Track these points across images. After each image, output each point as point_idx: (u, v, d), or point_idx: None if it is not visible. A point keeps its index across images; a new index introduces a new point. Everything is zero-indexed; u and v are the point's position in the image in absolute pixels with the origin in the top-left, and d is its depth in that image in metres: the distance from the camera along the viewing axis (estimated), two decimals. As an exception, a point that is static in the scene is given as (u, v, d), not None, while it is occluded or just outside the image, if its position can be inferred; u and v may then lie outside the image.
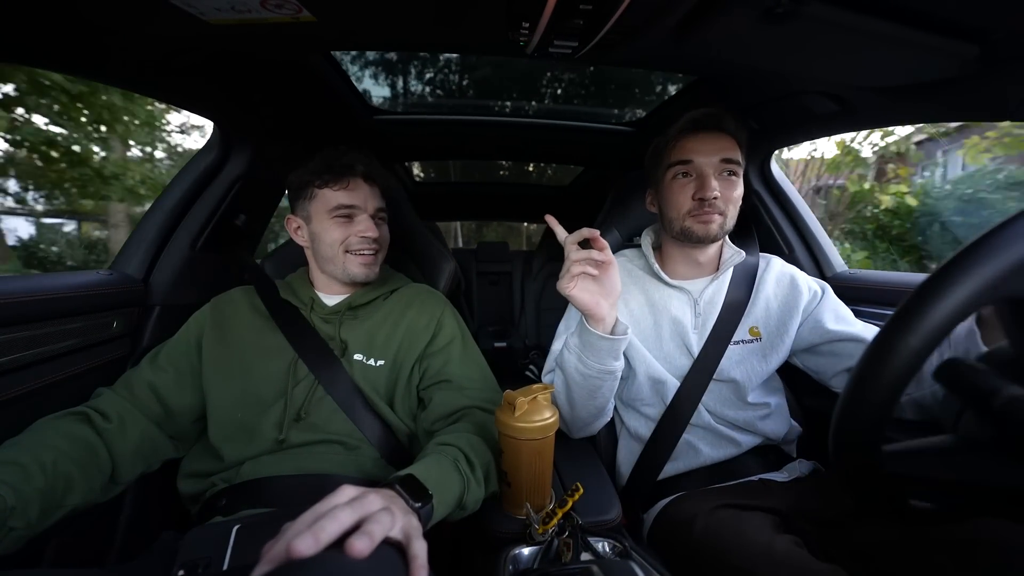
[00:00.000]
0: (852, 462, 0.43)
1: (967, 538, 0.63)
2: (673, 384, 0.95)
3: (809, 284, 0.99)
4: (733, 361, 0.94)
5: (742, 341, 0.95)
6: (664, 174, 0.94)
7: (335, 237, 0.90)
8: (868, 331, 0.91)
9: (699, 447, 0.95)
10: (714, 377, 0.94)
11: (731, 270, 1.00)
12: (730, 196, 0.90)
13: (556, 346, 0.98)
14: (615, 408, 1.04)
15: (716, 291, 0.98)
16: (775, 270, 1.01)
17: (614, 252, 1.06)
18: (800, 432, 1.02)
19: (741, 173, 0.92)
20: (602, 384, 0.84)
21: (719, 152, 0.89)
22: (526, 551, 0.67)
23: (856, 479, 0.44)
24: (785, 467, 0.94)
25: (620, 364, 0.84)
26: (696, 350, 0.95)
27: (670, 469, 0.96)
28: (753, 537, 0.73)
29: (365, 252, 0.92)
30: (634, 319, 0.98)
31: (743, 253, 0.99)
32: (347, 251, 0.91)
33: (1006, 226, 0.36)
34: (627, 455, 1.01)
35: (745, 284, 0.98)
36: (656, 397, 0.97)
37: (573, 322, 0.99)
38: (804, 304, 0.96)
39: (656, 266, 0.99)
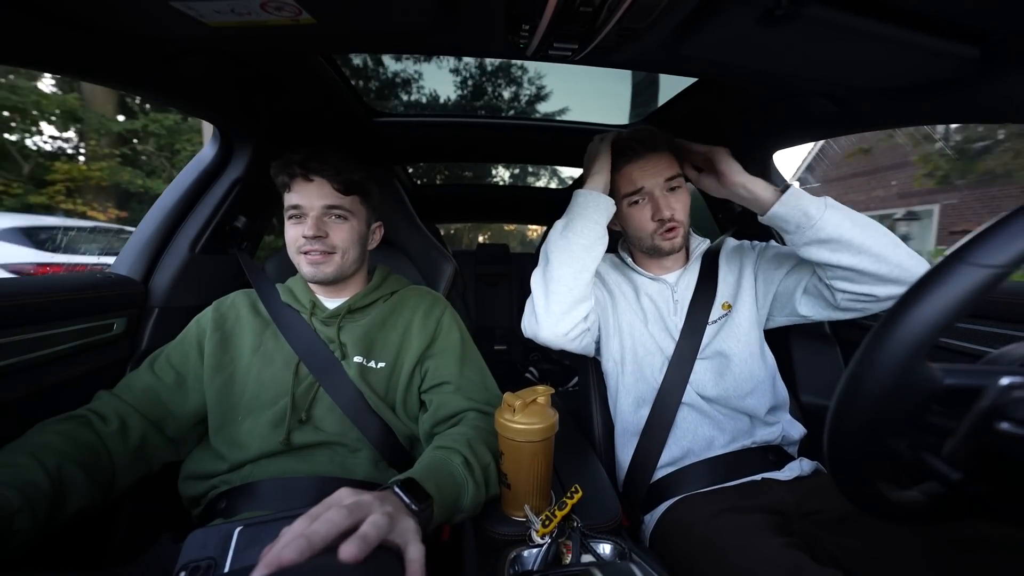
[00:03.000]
0: (847, 472, 0.42)
1: (969, 538, 0.63)
2: (661, 363, 1.01)
3: (754, 243, 1.12)
4: (713, 337, 1.01)
5: (718, 319, 1.03)
6: (620, 202, 1.03)
7: (289, 239, 0.92)
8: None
9: (689, 428, 0.97)
10: (700, 356, 1.00)
11: (700, 259, 1.09)
12: (680, 207, 1.00)
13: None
14: (610, 406, 1.07)
15: (689, 280, 1.08)
16: (728, 246, 1.13)
17: (615, 252, 1.16)
18: (804, 433, 1.03)
19: (683, 180, 1.02)
20: (585, 254, 0.93)
21: (662, 173, 0.98)
22: (527, 553, 0.67)
23: (852, 488, 0.43)
24: (787, 466, 0.95)
25: (604, 230, 0.95)
26: (677, 333, 1.02)
27: (667, 458, 0.97)
28: (752, 541, 0.73)
29: (311, 252, 0.89)
30: (627, 302, 1.07)
31: (707, 241, 1.11)
32: (298, 252, 0.91)
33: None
34: (625, 450, 1.03)
35: (711, 268, 1.08)
36: (646, 379, 1.02)
37: None
38: (750, 262, 1.07)
39: (636, 265, 1.10)
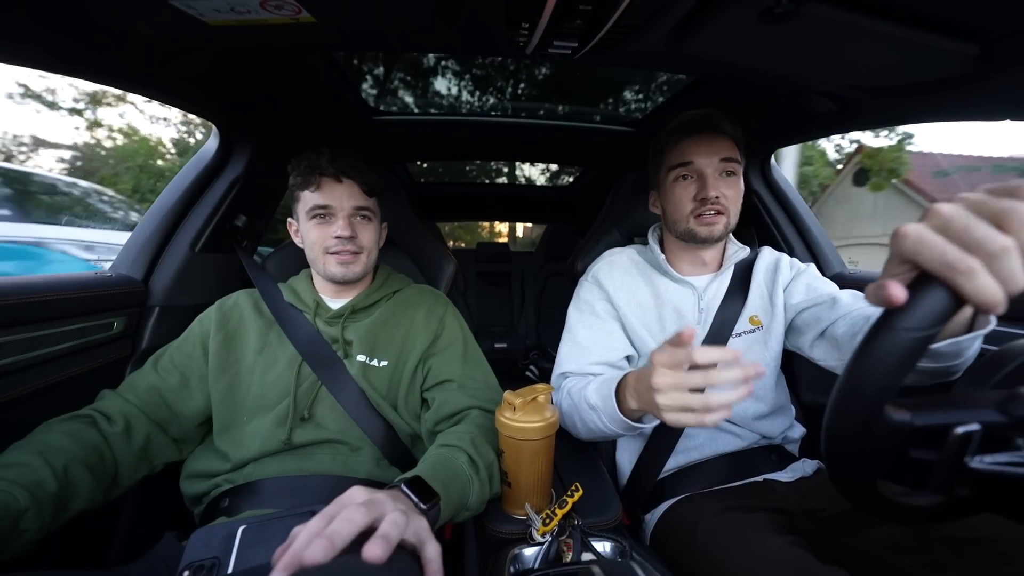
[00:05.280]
0: (847, 477, 0.42)
1: (970, 536, 0.63)
2: None
3: (792, 262, 1.03)
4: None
5: (744, 332, 0.97)
6: (665, 176, 0.96)
7: (313, 238, 0.91)
8: (837, 292, 0.93)
9: (698, 440, 0.96)
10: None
11: (732, 267, 1.02)
12: (731, 195, 0.92)
13: (566, 362, 0.96)
14: None
15: (719, 287, 1.00)
16: (765, 258, 1.04)
17: (640, 241, 1.10)
18: (804, 433, 1.03)
19: (741, 172, 0.94)
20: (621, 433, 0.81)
21: (718, 152, 0.91)
22: (527, 551, 0.67)
23: (851, 491, 0.43)
24: (789, 467, 0.94)
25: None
26: (697, 345, 0.95)
27: (670, 464, 0.96)
28: (755, 539, 0.73)
29: (342, 252, 0.90)
30: (641, 309, 0.99)
31: (747, 249, 1.02)
32: (326, 252, 0.90)
33: None
34: (628, 453, 1.02)
35: (743, 278, 1.01)
36: None
37: (582, 351, 0.96)
38: (783, 280, 0.99)
39: (664, 262, 1.00)
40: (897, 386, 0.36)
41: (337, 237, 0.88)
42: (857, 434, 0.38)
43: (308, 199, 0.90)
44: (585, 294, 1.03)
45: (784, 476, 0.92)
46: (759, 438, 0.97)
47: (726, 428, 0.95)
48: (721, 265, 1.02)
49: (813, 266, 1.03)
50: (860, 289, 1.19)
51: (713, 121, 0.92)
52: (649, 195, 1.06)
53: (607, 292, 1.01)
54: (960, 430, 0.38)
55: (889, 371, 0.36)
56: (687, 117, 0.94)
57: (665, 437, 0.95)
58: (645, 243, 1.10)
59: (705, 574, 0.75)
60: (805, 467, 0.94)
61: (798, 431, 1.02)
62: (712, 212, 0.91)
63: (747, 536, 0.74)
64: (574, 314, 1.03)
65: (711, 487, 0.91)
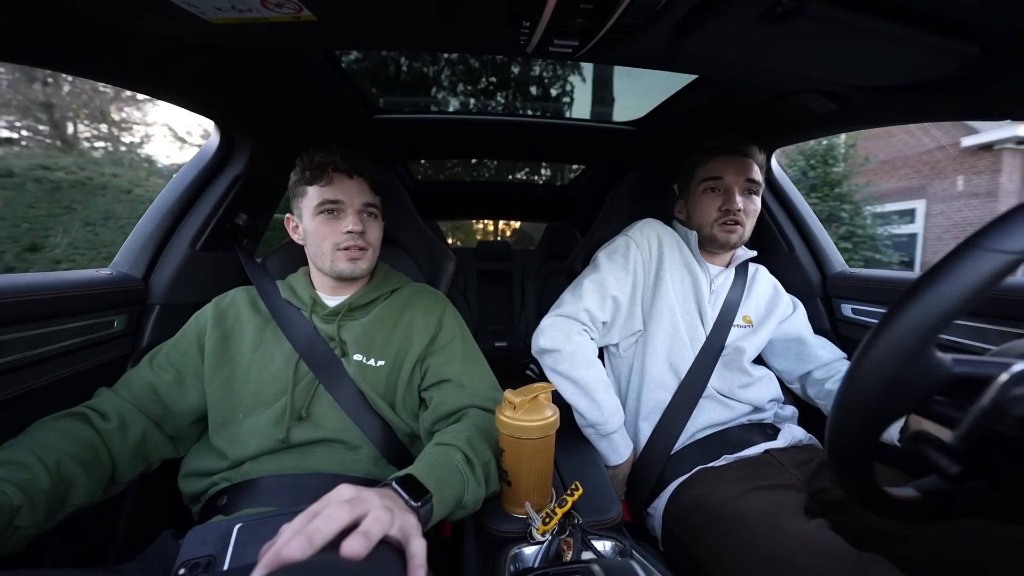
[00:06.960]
0: (847, 464, 0.42)
1: (967, 533, 0.64)
2: (689, 350, 1.05)
3: (789, 296, 1.22)
4: (733, 337, 1.09)
5: (737, 325, 1.11)
6: (696, 187, 1.10)
7: (322, 234, 0.91)
8: (826, 347, 1.14)
9: (700, 415, 1.02)
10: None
11: (734, 267, 1.15)
12: (750, 210, 1.07)
13: (588, 297, 1.03)
14: (627, 401, 1.09)
15: (726, 279, 1.14)
16: (764, 275, 1.22)
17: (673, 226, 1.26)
18: (795, 412, 1.10)
19: (760, 192, 1.08)
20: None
21: (744, 172, 1.05)
22: (527, 550, 0.67)
23: (851, 482, 0.43)
24: (780, 435, 1.00)
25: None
26: (709, 325, 1.08)
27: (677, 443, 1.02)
28: (784, 521, 0.72)
29: (352, 248, 0.90)
30: (672, 277, 1.09)
31: (753, 253, 1.17)
32: (335, 248, 0.90)
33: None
34: (633, 435, 1.06)
35: (742, 282, 1.16)
36: (670, 364, 1.05)
37: (590, 302, 1.04)
38: (781, 310, 1.17)
39: (695, 239, 1.12)
40: (958, 316, 0.35)
41: (348, 232, 0.89)
42: (895, 372, 0.36)
43: (316, 194, 0.90)
44: (622, 247, 1.09)
45: (778, 444, 0.97)
46: (750, 410, 1.03)
47: (713, 397, 1.02)
48: (730, 262, 1.16)
49: (801, 306, 1.21)
50: (857, 291, 1.19)
51: (744, 146, 1.06)
52: (676, 203, 1.19)
53: (659, 241, 1.10)
54: (1019, 367, 0.36)
55: (962, 296, 0.34)
56: (723, 138, 1.08)
57: (672, 420, 1.00)
58: None
59: (730, 556, 0.74)
60: (795, 432, 1.00)
61: (789, 410, 1.09)
62: (732, 222, 1.05)
63: (776, 518, 0.74)
64: (605, 260, 1.09)
65: (712, 462, 0.95)
